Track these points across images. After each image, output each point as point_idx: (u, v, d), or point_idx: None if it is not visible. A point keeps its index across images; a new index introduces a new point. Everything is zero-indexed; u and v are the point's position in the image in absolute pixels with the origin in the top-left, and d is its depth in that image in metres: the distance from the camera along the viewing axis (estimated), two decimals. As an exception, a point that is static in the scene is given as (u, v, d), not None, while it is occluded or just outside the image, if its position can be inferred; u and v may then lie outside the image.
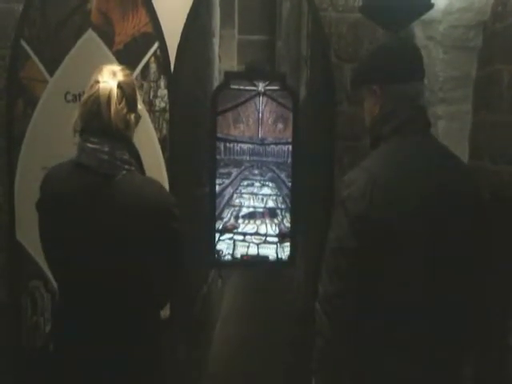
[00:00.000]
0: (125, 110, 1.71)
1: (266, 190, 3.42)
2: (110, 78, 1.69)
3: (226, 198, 3.38)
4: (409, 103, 1.70)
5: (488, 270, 1.75)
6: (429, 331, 1.62)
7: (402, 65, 1.72)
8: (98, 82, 1.68)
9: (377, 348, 1.63)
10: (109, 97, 1.66)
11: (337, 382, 1.67)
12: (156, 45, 2.61)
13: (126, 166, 1.68)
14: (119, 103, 1.69)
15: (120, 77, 1.72)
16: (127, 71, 1.79)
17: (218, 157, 3.32)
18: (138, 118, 1.81)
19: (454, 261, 1.61)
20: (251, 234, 3.37)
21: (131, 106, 1.74)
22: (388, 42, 1.91)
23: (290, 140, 3.35)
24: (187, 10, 2.64)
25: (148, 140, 2.61)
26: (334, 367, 1.65)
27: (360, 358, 1.63)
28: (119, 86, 1.69)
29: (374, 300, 1.61)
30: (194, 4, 2.66)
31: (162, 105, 2.65)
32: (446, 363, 1.65)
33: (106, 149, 1.65)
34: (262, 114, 3.34)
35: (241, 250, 3.37)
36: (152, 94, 2.65)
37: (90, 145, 1.66)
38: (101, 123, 1.65)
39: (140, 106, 1.84)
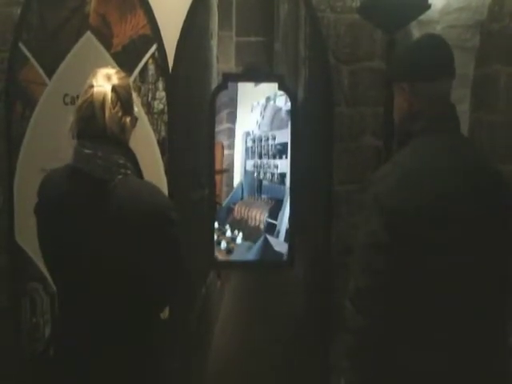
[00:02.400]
0: (120, 114, 1.70)
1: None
2: (105, 81, 1.68)
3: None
4: (438, 101, 1.69)
5: None
6: (462, 331, 1.61)
7: (430, 63, 1.69)
8: (92, 86, 1.67)
9: (408, 346, 1.61)
10: (103, 101, 1.65)
11: (369, 379, 1.65)
12: (154, 47, 2.61)
13: (122, 170, 1.67)
14: (114, 107, 1.67)
15: (115, 80, 1.70)
16: (122, 74, 1.77)
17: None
18: (135, 120, 1.80)
19: (486, 258, 1.61)
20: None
21: (126, 109, 1.73)
22: (419, 40, 1.86)
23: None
24: (185, 12, 2.65)
25: (146, 142, 2.61)
26: (365, 364, 1.63)
27: (391, 354, 1.61)
28: (114, 89, 1.68)
29: (406, 296, 1.59)
30: (191, 6, 2.66)
31: (161, 107, 2.66)
32: (479, 363, 1.63)
33: (101, 153, 1.64)
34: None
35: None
36: (150, 96, 2.65)
37: (85, 150, 1.65)
38: (96, 128, 1.65)
39: (136, 109, 1.82)
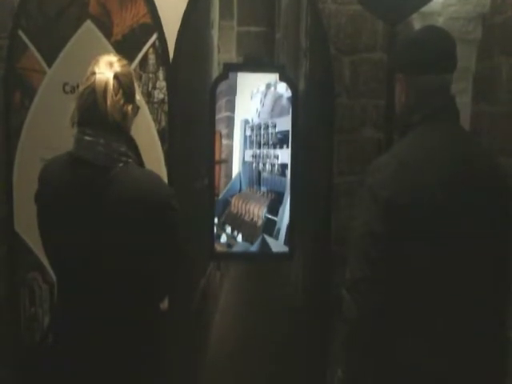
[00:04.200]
0: (122, 102, 1.69)
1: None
2: (107, 68, 1.68)
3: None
4: (435, 93, 1.68)
5: None
6: (460, 321, 1.61)
7: (427, 56, 1.69)
8: (94, 73, 1.66)
9: (404, 336, 1.62)
10: (105, 88, 1.64)
11: (364, 369, 1.66)
12: (155, 36, 2.60)
13: (123, 158, 1.67)
14: (116, 94, 1.67)
15: (117, 67, 1.70)
16: (124, 61, 1.76)
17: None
18: (136, 109, 1.79)
19: (483, 248, 1.62)
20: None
21: (128, 97, 1.72)
22: (419, 31, 1.85)
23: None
24: (186, 1, 2.63)
25: (147, 132, 2.60)
26: (361, 354, 1.65)
27: (387, 345, 1.63)
28: (116, 76, 1.67)
29: (402, 286, 1.60)
30: (192, -5, 2.65)
31: (161, 96, 2.65)
32: (474, 355, 1.63)
33: (102, 141, 1.64)
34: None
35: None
36: (151, 85, 2.64)
37: (86, 137, 1.64)
38: (97, 115, 1.64)
39: (138, 97, 1.82)
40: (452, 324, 1.61)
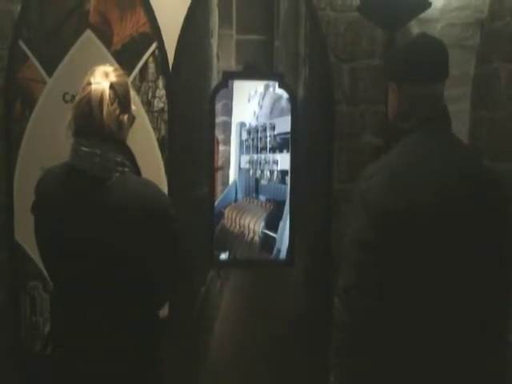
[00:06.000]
0: (117, 111, 1.70)
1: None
2: (103, 78, 1.68)
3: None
4: (426, 102, 1.69)
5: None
6: (454, 327, 1.61)
7: (419, 65, 1.70)
8: (90, 83, 1.67)
9: (396, 344, 1.62)
10: (101, 98, 1.65)
11: (357, 377, 1.65)
12: (154, 45, 2.61)
13: (120, 168, 1.67)
14: (111, 104, 1.67)
15: (112, 77, 1.71)
16: (120, 71, 1.78)
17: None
18: (132, 118, 1.80)
19: (473, 257, 1.61)
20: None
21: (124, 106, 1.73)
22: (412, 40, 1.87)
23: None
24: (185, 10, 2.65)
25: (146, 140, 2.61)
26: (353, 361, 1.64)
27: (380, 353, 1.63)
28: (111, 86, 1.68)
29: (396, 293, 1.60)
30: (192, 4, 2.66)
31: (161, 105, 2.65)
32: (467, 363, 1.63)
33: (99, 151, 1.64)
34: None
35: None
36: (150, 94, 2.65)
37: (82, 147, 1.65)
38: (93, 125, 1.65)
39: (134, 107, 1.82)
40: (448, 329, 1.60)
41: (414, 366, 1.61)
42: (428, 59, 1.70)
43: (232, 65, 6.11)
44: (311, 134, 3.40)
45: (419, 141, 1.68)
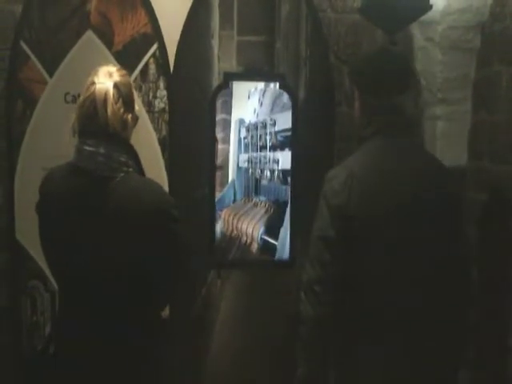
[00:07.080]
0: (122, 111, 1.70)
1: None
2: (106, 78, 1.69)
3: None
4: (383, 113, 1.79)
5: (469, 267, 1.84)
6: (409, 322, 1.69)
7: (377, 82, 1.79)
8: (93, 83, 1.68)
9: (359, 336, 1.72)
10: (105, 97, 1.66)
11: (320, 370, 1.75)
12: (155, 46, 2.61)
13: (124, 168, 1.68)
14: (116, 103, 1.68)
15: (116, 77, 1.71)
16: (123, 71, 1.79)
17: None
18: (136, 118, 1.81)
19: (429, 255, 1.70)
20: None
21: (128, 106, 1.74)
22: (373, 56, 1.96)
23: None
24: (186, 11, 2.65)
25: (147, 141, 2.61)
26: (317, 354, 1.74)
27: (343, 345, 1.75)
28: (115, 86, 1.69)
29: (355, 287, 1.71)
30: (193, 5, 2.66)
31: (162, 105, 2.66)
32: (430, 354, 1.70)
33: (103, 151, 1.65)
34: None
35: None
36: (151, 94, 2.65)
37: (86, 147, 1.65)
38: (98, 125, 1.65)
39: (137, 107, 1.83)
40: (408, 323, 1.68)
41: (374, 356, 1.68)
42: (386, 74, 1.79)
43: (233, 66, 6.11)
44: (312, 136, 3.40)
45: (377, 146, 1.79)
